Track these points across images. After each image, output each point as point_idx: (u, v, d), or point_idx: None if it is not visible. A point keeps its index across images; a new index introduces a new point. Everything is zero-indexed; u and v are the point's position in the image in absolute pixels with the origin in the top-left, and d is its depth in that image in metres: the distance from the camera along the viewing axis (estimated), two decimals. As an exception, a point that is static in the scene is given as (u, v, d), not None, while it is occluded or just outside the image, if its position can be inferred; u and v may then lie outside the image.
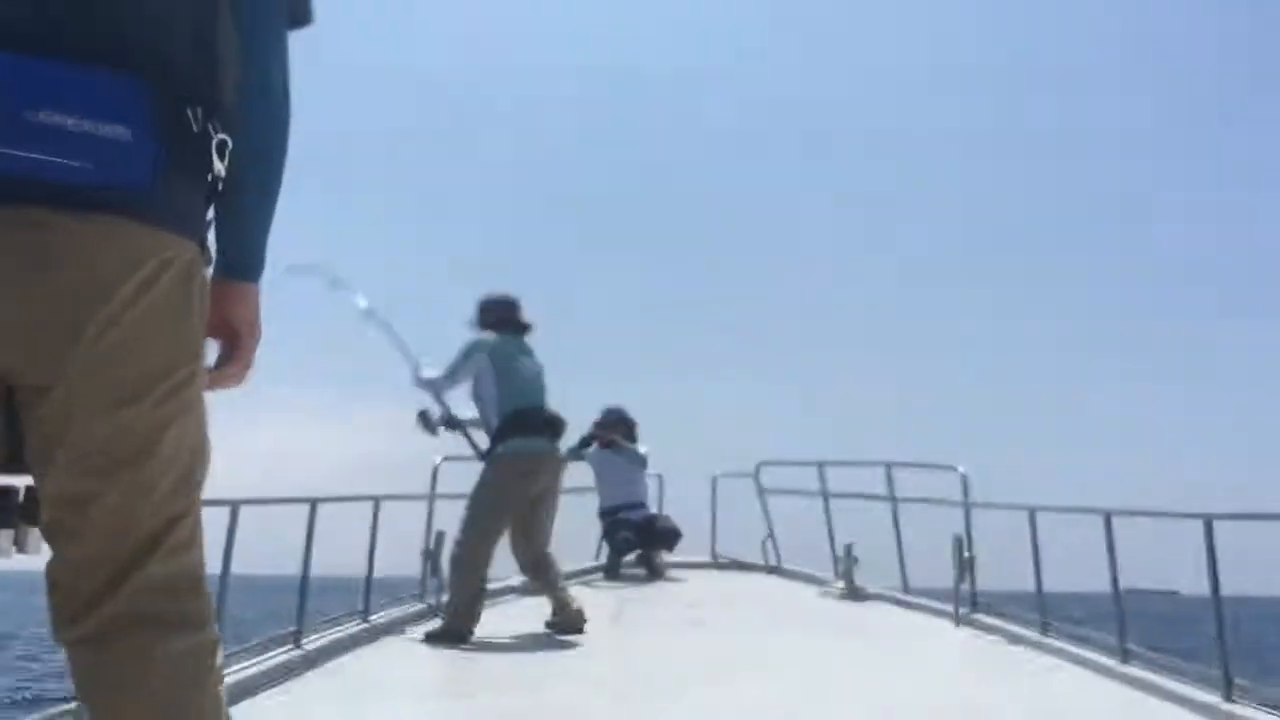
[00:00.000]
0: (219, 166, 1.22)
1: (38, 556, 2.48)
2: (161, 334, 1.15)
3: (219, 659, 1.24)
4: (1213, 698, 3.46)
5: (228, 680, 3.49)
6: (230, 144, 1.24)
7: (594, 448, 8.03)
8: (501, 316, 5.20)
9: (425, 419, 5.13)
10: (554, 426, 5.11)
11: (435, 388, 5.10)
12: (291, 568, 4.36)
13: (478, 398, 5.09)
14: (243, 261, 1.30)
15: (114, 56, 1.10)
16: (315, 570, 4.33)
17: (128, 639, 1.17)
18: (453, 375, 5.08)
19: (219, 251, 1.29)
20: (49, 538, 1.22)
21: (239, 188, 1.26)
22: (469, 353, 5.06)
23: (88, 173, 1.06)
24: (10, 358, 1.10)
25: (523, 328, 5.24)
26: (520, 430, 4.95)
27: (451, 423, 5.15)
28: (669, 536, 7.96)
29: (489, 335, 5.13)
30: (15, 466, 1.24)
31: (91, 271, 1.09)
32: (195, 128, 1.18)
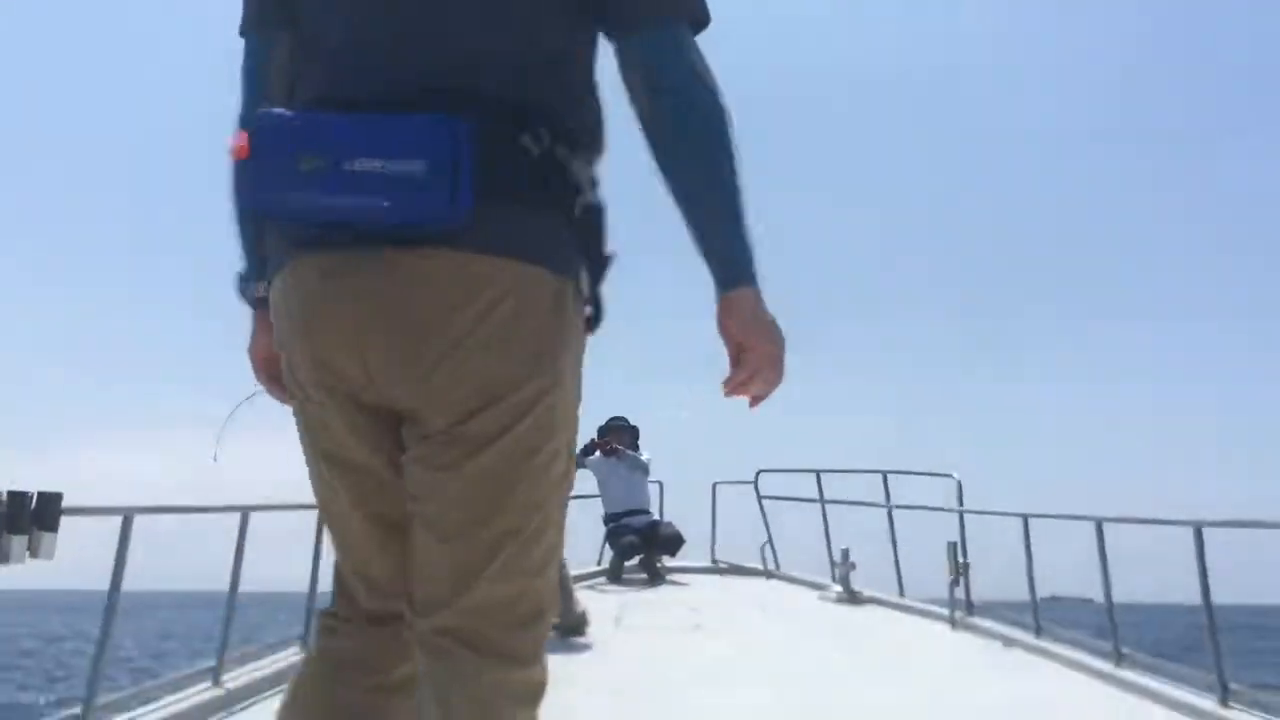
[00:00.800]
0: (583, 184, 1.24)
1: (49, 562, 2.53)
2: (501, 355, 1.19)
3: (538, 704, 1.26)
4: (1209, 703, 3.48)
5: (234, 684, 3.55)
6: (590, 159, 1.27)
7: (597, 455, 8.08)
8: None
9: None
10: None
11: None
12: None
13: None
14: (718, 271, 1.27)
15: (425, 99, 1.16)
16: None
17: (452, 657, 1.20)
18: None
19: (709, 267, 1.27)
20: (410, 535, 1.27)
21: (685, 199, 1.26)
22: None
23: (398, 212, 1.12)
24: (377, 390, 1.21)
25: None
26: None
27: None
28: (672, 542, 8.01)
29: None
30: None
31: (423, 304, 1.17)
32: (535, 151, 1.19)
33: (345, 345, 1.19)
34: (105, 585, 2.90)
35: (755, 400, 1.30)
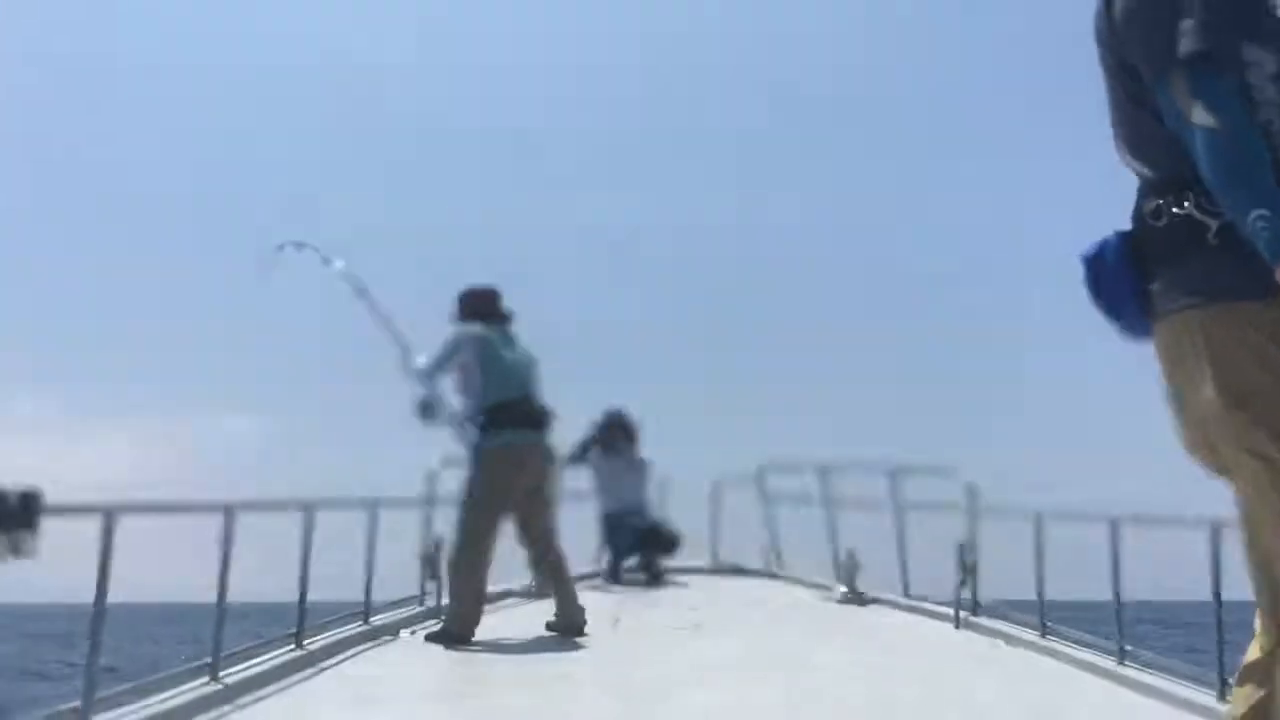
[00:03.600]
0: (1203, 217, 1.56)
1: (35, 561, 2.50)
2: (1190, 387, 1.57)
3: None
4: (1210, 699, 3.45)
5: (232, 680, 3.53)
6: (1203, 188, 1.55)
7: (594, 452, 8.05)
8: (481, 309, 5.10)
9: (426, 408, 4.99)
10: (539, 417, 5.03)
11: (423, 378, 5.00)
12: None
13: (464, 391, 5.00)
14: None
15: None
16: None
17: None
18: (437, 367, 4.98)
19: None
20: None
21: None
22: (453, 345, 4.98)
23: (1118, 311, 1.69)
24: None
25: (504, 318, 5.15)
26: (503, 422, 4.87)
27: (446, 413, 5.09)
28: (669, 541, 7.98)
29: (472, 327, 5.02)
30: None
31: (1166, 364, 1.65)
32: (1164, 219, 1.60)
33: None
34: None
35: None
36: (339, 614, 4.88)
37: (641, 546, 7.83)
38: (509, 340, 5.13)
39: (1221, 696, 3.41)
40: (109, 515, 2.83)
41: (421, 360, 4.99)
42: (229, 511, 3.56)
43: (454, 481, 5.48)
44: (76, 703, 2.77)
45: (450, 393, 5.06)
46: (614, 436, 8.09)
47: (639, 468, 8.12)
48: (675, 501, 8.59)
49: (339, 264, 5.21)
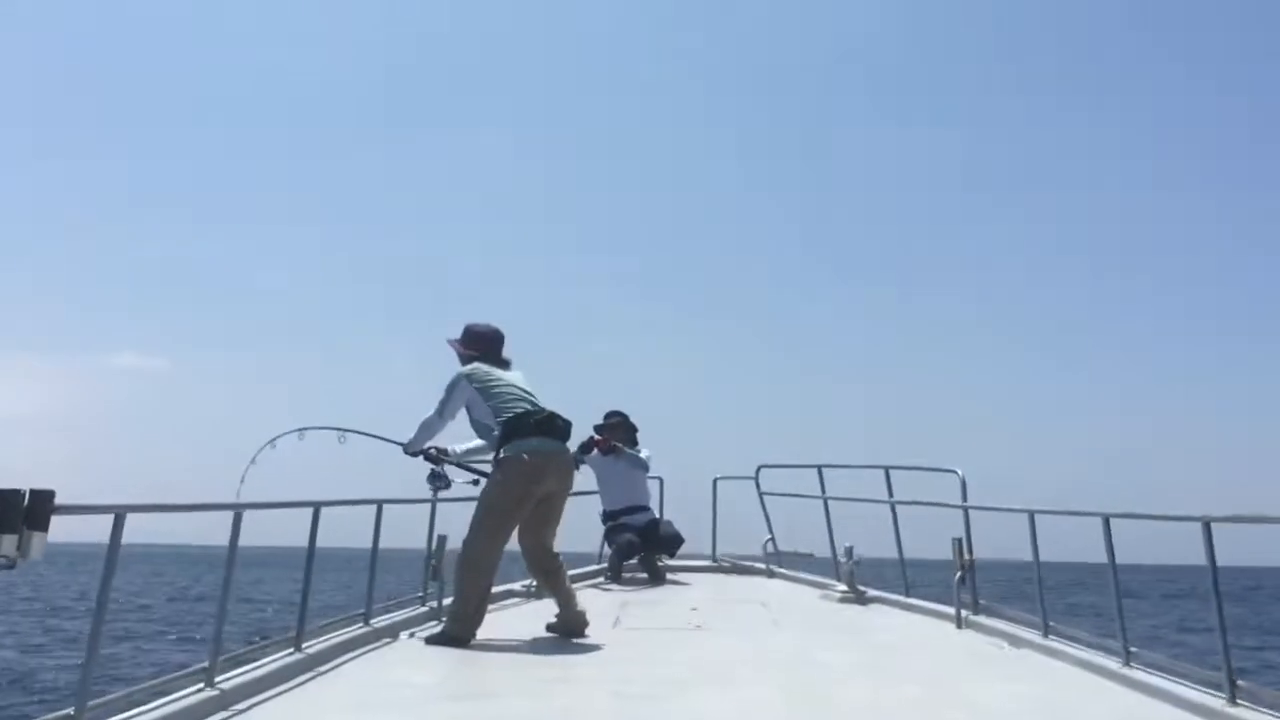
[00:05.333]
0: None
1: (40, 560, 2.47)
2: None
3: None
4: (1217, 701, 3.45)
5: (228, 685, 3.50)
6: None
7: (595, 452, 8.05)
8: (482, 348, 5.31)
9: (435, 478, 5.33)
10: (557, 425, 5.09)
11: (430, 432, 5.23)
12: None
13: (477, 423, 5.16)
14: None
15: None
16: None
17: None
18: (443, 412, 5.19)
19: None
20: None
21: None
22: (452, 386, 5.17)
23: None
24: None
25: (502, 363, 5.32)
26: (523, 431, 4.95)
27: (451, 468, 5.36)
28: (671, 542, 7.99)
29: (465, 367, 5.23)
30: None
31: None
32: None
33: None
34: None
35: None
36: (339, 616, 4.86)
37: (643, 546, 7.83)
38: (504, 366, 5.30)
39: (1232, 700, 3.41)
40: (119, 515, 2.80)
41: (412, 433, 5.26)
42: (237, 513, 3.54)
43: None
44: (69, 710, 2.73)
45: (469, 428, 5.26)
46: (614, 435, 8.10)
47: (639, 466, 8.12)
48: (676, 500, 8.61)
49: (322, 429, 5.66)
